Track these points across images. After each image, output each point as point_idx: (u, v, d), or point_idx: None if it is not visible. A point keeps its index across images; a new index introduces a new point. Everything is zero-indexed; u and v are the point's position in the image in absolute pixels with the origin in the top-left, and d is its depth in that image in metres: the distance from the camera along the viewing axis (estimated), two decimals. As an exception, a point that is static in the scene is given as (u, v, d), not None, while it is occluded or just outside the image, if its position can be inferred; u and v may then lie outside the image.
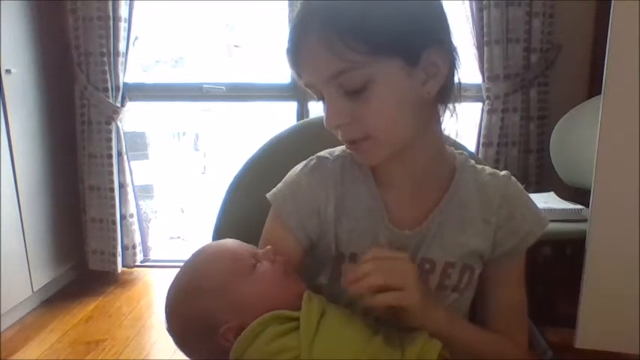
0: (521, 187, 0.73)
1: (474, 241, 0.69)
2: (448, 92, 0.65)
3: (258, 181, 0.89)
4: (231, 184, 0.93)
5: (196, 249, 0.70)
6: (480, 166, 0.74)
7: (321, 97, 0.63)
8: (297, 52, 0.61)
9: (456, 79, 0.65)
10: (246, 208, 0.90)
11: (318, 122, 0.94)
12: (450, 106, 0.67)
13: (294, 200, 0.71)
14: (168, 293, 0.67)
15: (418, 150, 0.67)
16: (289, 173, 0.74)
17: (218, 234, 0.91)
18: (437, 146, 0.70)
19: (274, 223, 0.73)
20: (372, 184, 0.70)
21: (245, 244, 0.69)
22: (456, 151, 0.73)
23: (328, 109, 0.62)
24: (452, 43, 0.63)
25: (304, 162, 0.74)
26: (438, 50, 0.61)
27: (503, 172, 0.73)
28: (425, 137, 0.67)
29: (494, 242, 0.70)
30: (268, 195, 0.73)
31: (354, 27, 0.57)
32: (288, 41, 0.62)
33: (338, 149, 0.74)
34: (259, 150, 0.94)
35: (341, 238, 0.70)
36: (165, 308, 0.67)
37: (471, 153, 0.79)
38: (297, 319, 0.60)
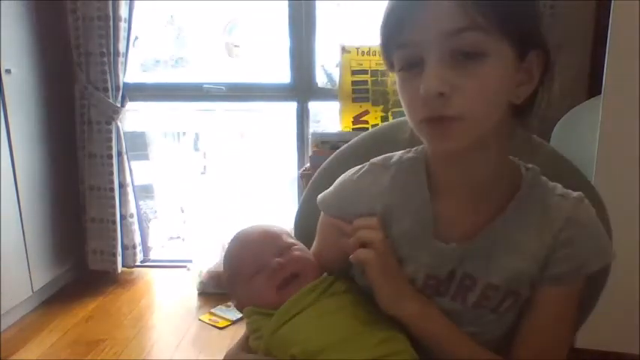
0: (593, 212, 0.67)
1: (524, 266, 0.65)
2: (530, 107, 0.64)
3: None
4: (313, 181, 0.95)
5: (240, 228, 0.83)
6: (551, 184, 0.69)
7: (413, 64, 0.59)
8: (419, 4, 0.57)
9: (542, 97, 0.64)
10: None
11: (390, 128, 0.94)
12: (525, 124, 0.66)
13: (338, 204, 0.74)
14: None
15: (482, 157, 0.63)
16: (340, 177, 0.76)
17: (299, 220, 0.96)
18: (501, 158, 0.66)
19: (323, 220, 0.78)
20: (426, 193, 0.68)
21: (273, 233, 0.79)
22: (525, 166, 0.69)
23: (430, 74, 0.56)
24: (553, 55, 0.62)
25: (357, 167, 0.75)
26: (540, 57, 0.61)
27: (576, 194, 0.67)
28: (492, 144, 0.63)
29: (543, 265, 0.65)
30: (318, 196, 0.77)
31: None
32: None
33: (396, 156, 0.74)
34: (350, 145, 0.94)
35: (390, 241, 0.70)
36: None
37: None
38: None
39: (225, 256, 0.81)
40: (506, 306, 0.66)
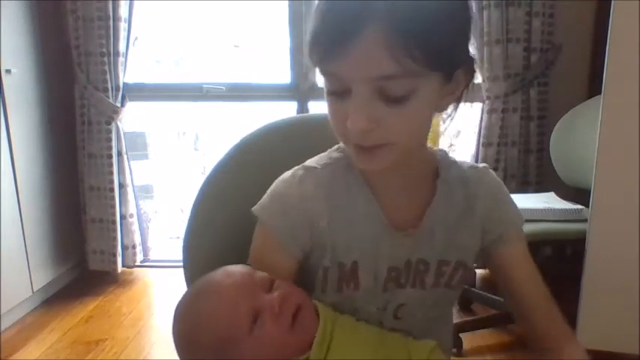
0: (499, 179, 0.75)
1: (465, 237, 0.70)
2: (454, 105, 0.65)
3: (230, 185, 0.86)
4: (201, 190, 0.86)
5: (197, 282, 0.65)
6: (459, 161, 0.74)
7: (341, 92, 0.58)
8: (346, 41, 0.53)
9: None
10: (217, 214, 0.85)
11: (287, 123, 0.93)
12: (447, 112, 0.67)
13: (284, 215, 0.67)
14: (174, 321, 0.64)
15: (408, 156, 0.65)
16: (275, 185, 0.69)
17: (189, 239, 0.85)
18: (424, 148, 0.70)
19: (263, 239, 0.69)
20: (366, 189, 0.68)
21: (247, 275, 0.63)
22: (434, 149, 0.73)
23: (358, 111, 0.56)
24: (473, 61, 0.63)
25: (289, 173, 0.69)
26: (465, 69, 0.61)
27: (482, 165, 0.75)
28: (415, 146, 0.67)
29: (482, 232, 0.71)
30: (255, 209, 0.68)
31: (418, 34, 0.52)
32: (334, 26, 0.55)
33: (324, 157, 0.71)
34: (228, 153, 0.88)
35: (339, 248, 0.67)
36: (172, 330, 0.65)
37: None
38: None
39: (194, 325, 0.61)
40: (457, 279, 0.71)
